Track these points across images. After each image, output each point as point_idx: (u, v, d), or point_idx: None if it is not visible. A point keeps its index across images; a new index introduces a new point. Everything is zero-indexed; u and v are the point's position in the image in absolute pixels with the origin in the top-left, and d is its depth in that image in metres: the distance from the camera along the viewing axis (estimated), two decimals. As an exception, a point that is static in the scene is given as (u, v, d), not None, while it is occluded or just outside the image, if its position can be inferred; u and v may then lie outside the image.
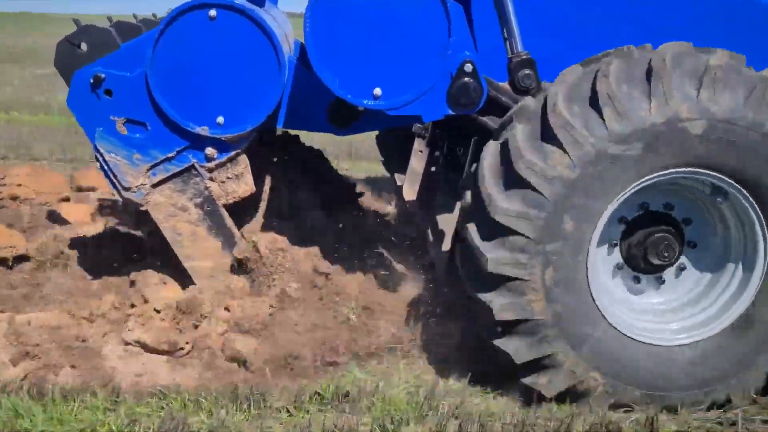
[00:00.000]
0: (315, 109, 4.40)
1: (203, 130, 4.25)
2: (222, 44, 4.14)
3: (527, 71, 4.09)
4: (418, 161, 5.13)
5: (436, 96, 3.96)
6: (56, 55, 4.40)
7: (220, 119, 4.24)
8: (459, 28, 3.85)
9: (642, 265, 4.03)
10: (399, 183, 5.51)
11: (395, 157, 5.89)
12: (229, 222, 4.49)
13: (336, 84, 3.86)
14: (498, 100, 4.24)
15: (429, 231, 4.89)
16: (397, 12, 3.79)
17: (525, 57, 4.13)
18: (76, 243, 5.34)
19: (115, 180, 4.35)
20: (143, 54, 4.15)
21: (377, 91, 3.87)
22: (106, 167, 4.32)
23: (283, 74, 4.19)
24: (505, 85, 4.24)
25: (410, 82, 3.87)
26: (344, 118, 4.45)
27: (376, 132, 6.27)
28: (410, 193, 5.08)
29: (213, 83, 4.18)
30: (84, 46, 4.36)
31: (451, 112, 4.05)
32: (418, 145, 5.14)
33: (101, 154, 4.28)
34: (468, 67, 3.89)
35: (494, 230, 3.71)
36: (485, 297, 3.79)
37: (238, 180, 4.43)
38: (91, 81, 4.17)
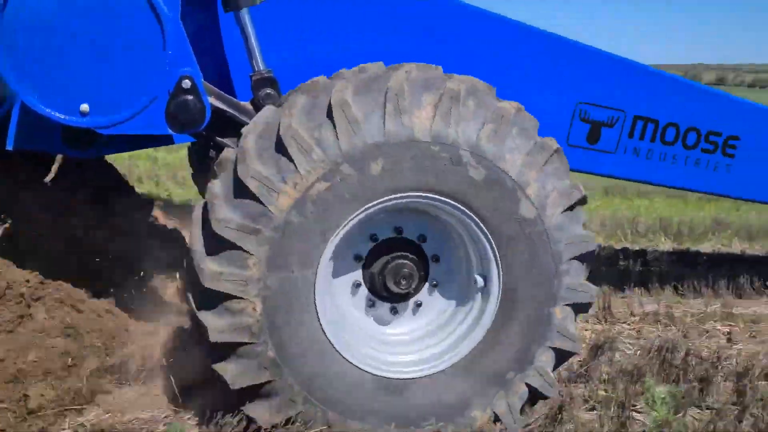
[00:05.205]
0: (47, 128, 3.96)
1: None
2: None
3: (268, 90, 3.85)
4: None
5: (159, 114, 3.60)
6: None
7: None
8: (177, 42, 3.49)
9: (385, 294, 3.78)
10: None
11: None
12: None
13: (34, 98, 3.42)
14: (239, 121, 3.90)
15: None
16: (103, 20, 3.37)
17: (266, 75, 3.88)
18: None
19: None
20: None
21: (84, 107, 3.44)
22: None
23: None
24: (248, 105, 3.95)
25: (121, 99, 3.46)
26: (78, 139, 4.04)
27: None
28: None
29: None
30: None
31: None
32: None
33: None
34: (186, 84, 3.53)
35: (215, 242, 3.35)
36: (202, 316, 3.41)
37: None
38: None
